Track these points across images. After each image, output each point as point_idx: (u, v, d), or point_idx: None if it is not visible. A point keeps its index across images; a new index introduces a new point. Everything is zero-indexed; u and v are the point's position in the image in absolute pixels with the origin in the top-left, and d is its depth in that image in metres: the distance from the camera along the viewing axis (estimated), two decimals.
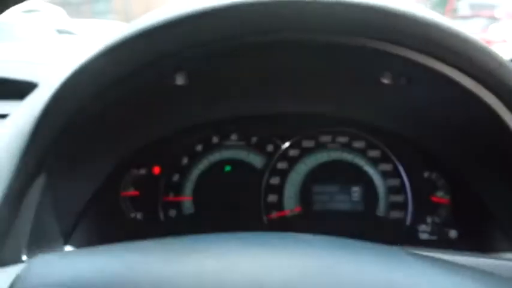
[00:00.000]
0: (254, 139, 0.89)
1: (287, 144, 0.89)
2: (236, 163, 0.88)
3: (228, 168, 0.87)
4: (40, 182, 0.61)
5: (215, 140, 0.89)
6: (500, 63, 0.58)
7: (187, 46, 0.59)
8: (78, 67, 0.59)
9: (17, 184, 0.57)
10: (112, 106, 0.66)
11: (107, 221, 0.82)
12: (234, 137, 0.89)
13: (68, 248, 0.71)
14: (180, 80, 0.69)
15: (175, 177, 0.87)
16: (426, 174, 0.87)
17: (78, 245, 0.73)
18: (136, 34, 0.56)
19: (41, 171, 0.61)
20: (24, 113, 0.61)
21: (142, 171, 0.87)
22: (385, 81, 0.71)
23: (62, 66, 0.63)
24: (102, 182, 0.81)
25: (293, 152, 0.89)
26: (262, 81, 0.77)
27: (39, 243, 0.62)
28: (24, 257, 0.58)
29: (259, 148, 0.89)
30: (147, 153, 0.86)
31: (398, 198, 0.87)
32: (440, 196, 0.86)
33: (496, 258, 0.69)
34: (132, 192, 0.86)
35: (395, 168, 0.88)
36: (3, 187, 0.56)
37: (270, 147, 0.89)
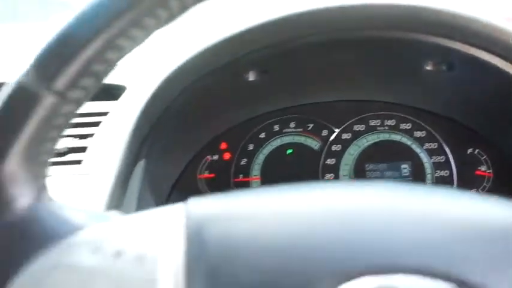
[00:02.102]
0: (310, 126, 1.01)
1: (340, 128, 1.00)
2: (296, 146, 0.99)
3: (290, 150, 0.99)
4: (140, 167, 0.75)
5: (276, 128, 1.01)
6: None
7: (265, 47, 0.71)
8: (178, 67, 0.71)
9: (124, 168, 0.71)
10: (192, 103, 0.79)
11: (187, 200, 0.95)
12: (292, 125, 1.01)
13: None
14: (251, 76, 0.81)
15: (244, 161, 1.00)
16: (469, 151, 0.96)
17: None
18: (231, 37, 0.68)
19: (140, 158, 0.74)
20: (125, 111, 0.75)
21: (215, 157, 1.00)
22: (428, 68, 0.81)
23: (149, 69, 0.76)
24: (184, 167, 0.95)
25: (346, 136, 1.00)
26: (321, 75, 0.89)
27: None
28: None
29: (315, 133, 1.00)
30: (219, 142, 1.00)
31: (444, 173, 0.96)
32: (484, 170, 0.94)
33: None
34: (207, 175, 0.99)
35: (440, 147, 0.97)
36: (116, 170, 0.69)
37: (324, 132, 1.00)
